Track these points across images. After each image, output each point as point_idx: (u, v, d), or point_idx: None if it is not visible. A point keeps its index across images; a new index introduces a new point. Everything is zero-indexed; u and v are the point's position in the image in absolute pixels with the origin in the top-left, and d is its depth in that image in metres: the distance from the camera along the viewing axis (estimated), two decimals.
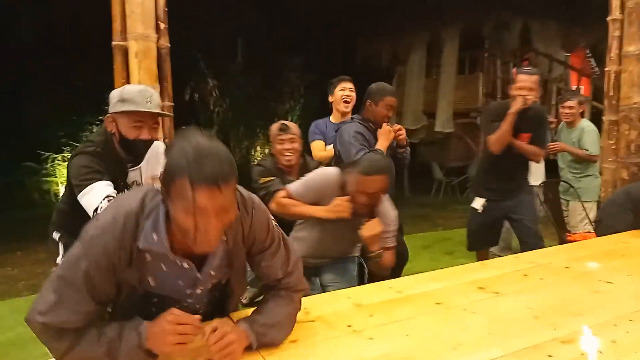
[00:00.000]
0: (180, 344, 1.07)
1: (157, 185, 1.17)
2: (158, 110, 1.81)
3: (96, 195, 1.67)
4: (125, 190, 1.84)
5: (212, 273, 1.24)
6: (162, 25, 2.36)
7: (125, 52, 2.30)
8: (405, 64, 8.89)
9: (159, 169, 1.81)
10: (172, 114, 2.35)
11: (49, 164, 10.83)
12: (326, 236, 2.16)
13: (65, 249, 1.87)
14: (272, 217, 1.30)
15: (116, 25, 2.32)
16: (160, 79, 2.33)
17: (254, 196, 1.28)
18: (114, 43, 2.32)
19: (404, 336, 1.26)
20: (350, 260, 2.29)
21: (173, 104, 2.41)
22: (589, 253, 1.91)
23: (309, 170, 2.33)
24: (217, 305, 1.35)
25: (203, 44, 9.62)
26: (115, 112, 1.76)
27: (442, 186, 8.96)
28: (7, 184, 9.92)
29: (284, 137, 2.51)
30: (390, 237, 2.08)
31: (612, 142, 2.58)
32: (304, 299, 1.39)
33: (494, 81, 8.03)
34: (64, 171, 10.93)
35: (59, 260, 1.92)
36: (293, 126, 2.57)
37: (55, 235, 1.97)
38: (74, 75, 8.94)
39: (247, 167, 3.62)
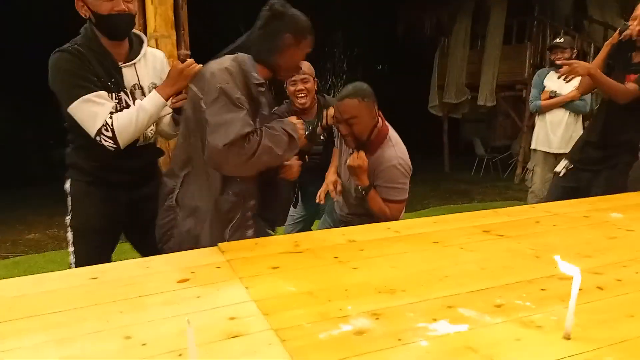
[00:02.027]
0: None
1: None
2: None
3: (96, 113, 1.59)
4: (126, 94, 1.72)
5: None
6: None
7: None
8: (449, 34, 8.55)
9: (161, 76, 1.78)
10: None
11: None
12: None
13: (73, 201, 1.79)
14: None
15: None
16: (177, 26, 2.32)
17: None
18: None
19: (389, 267, 1.20)
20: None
21: (190, 52, 2.40)
22: (613, 205, 1.76)
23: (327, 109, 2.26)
24: None
25: (245, 19, 9.65)
26: None
27: (483, 163, 8.65)
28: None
29: (296, 77, 2.40)
30: (388, 187, 1.98)
31: None
32: (298, 236, 1.40)
33: (542, 51, 7.59)
34: None
35: (67, 219, 1.82)
36: (305, 65, 2.42)
37: (67, 186, 1.83)
38: None
39: None
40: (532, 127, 7.30)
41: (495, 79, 7.91)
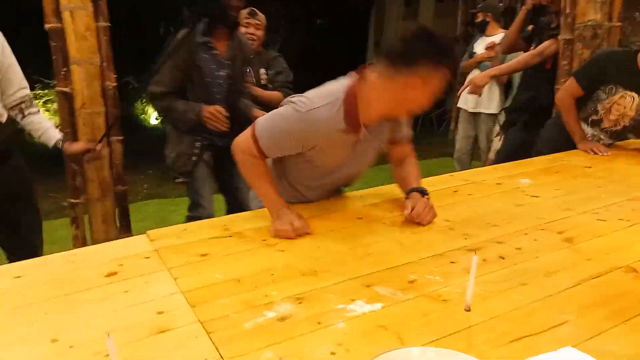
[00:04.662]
0: None
1: None
2: None
3: None
4: None
5: None
6: None
7: None
8: None
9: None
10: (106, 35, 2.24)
11: None
12: None
13: None
14: None
15: None
16: None
17: None
18: None
19: (314, 248, 1.27)
20: None
21: (109, 24, 2.28)
22: (524, 171, 1.91)
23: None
24: None
25: None
26: None
27: (419, 119, 8.89)
28: None
29: (251, 21, 2.62)
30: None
31: (565, 62, 2.52)
32: (227, 219, 1.44)
33: (473, 10, 7.76)
34: None
35: None
36: (261, 15, 2.68)
37: None
38: None
39: None
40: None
41: None
